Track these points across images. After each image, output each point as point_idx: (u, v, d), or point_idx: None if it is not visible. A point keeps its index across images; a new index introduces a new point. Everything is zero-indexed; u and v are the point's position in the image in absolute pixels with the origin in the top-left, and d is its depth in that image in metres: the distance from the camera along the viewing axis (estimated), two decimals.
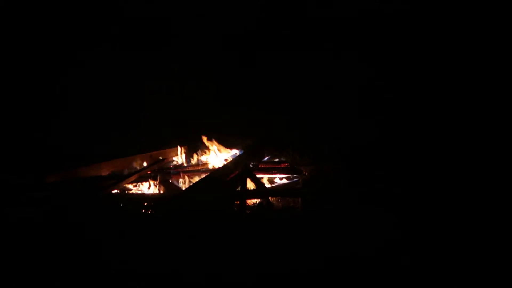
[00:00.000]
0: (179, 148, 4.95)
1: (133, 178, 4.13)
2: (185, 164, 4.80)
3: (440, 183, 3.61)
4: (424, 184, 3.62)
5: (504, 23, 5.11)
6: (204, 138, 4.70)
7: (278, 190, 4.01)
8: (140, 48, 6.06)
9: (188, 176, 4.41)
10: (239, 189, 3.72)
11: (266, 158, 4.66)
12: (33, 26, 5.76)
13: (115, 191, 4.01)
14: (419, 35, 5.56)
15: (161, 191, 4.06)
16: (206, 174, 4.24)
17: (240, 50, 6.04)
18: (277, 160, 4.64)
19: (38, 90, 5.81)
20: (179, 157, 4.95)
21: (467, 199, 3.26)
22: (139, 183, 4.23)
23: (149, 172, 4.28)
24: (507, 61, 5.06)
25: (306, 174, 4.15)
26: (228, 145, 4.82)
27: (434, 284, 2.30)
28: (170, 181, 4.22)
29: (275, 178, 4.38)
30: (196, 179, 4.32)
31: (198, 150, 4.78)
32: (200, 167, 4.51)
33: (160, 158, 4.79)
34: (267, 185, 4.22)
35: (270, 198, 3.70)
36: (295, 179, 4.25)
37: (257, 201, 3.72)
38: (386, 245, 2.66)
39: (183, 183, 4.33)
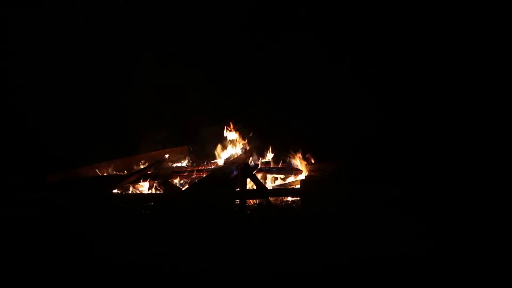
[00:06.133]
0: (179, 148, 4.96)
1: (133, 178, 4.13)
2: (185, 164, 4.81)
3: (445, 184, 3.61)
4: (429, 183, 3.61)
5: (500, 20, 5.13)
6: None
7: (278, 190, 4.01)
8: (138, 46, 6.07)
9: (188, 176, 4.41)
10: (239, 189, 3.72)
11: (265, 158, 4.67)
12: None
13: (115, 191, 4.02)
14: (420, 31, 5.57)
15: (161, 191, 4.06)
16: (206, 174, 4.25)
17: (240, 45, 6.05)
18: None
19: (37, 89, 5.80)
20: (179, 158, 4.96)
21: (471, 202, 3.26)
22: (139, 183, 4.23)
23: (149, 172, 4.28)
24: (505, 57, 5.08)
25: (307, 173, 4.15)
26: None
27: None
28: (170, 181, 4.22)
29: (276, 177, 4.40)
30: (196, 179, 4.33)
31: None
32: (200, 167, 4.52)
33: (160, 158, 4.80)
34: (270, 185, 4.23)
35: (270, 198, 3.70)
36: (295, 179, 4.27)
37: (257, 201, 3.72)
38: (387, 246, 2.66)
39: (183, 183, 4.34)
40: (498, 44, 5.08)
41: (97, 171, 4.43)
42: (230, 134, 4.87)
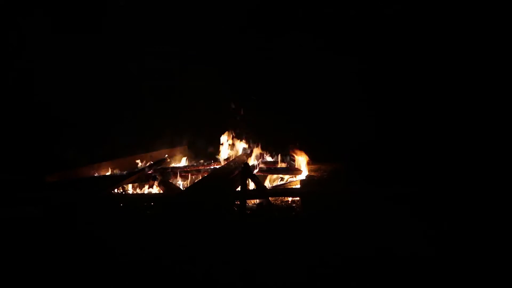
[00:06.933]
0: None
1: (133, 178, 4.13)
2: (185, 164, 4.81)
3: (445, 184, 3.62)
4: (429, 183, 3.61)
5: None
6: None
7: (278, 190, 4.01)
8: (138, 46, 6.07)
9: (188, 176, 4.42)
10: (239, 189, 3.72)
11: (266, 158, 4.67)
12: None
13: (115, 191, 4.02)
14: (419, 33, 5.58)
15: (161, 191, 4.06)
16: (206, 174, 4.25)
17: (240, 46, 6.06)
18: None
19: (37, 89, 5.81)
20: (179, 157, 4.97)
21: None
22: (139, 183, 4.24)
23: (149, 172, 4.28)
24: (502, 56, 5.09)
25: (307, 173, 4.15)
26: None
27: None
28: (170, 181, 4.23)
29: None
30: (196, 179, 4.33)
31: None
32: (200, 167, 4.52)
33: (160, 158, 4.80)
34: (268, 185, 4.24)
35: (270, 198, 3.70)
36: (295, 179, 4.26)
37: (257, 201, 3.72)
38: (388, 246, 2.66)
39: (183, 183, 4.34)
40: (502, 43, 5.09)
41: (97, 171, 4.43)
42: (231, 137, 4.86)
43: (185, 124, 5.44)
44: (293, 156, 4.48)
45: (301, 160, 4.34)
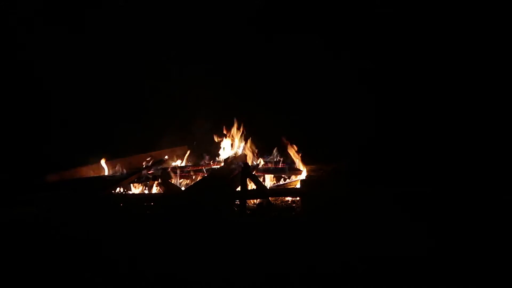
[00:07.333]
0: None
1: (133, 178, 4.13)
2: (185, 164, 4.81)
3: (445, 183, 3.62)
4: (429, 183, 3.60)
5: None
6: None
7: (278, 190, 4.01)
8: (138, 45, 6.07)
9: (188, 176, 4.41)
10: (239, 189, 3.72)
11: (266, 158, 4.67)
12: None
13: (115, 191, 4.01)
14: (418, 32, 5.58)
15: (161, 191, 4.06)
16: (206, 174, 4.25)
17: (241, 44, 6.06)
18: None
19: (36, 89, 5.81)
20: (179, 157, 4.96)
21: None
22: (139, 184, 4.23)
23: (149, 172, 4.28)
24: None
25: (307, 173, 4.15)
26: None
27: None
28: (170, 181, 4.22)
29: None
30: (196, 179, 4.33)
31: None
32: (200, 167, 4.51)
33: (160, 158, 4.80)
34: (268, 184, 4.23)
35: (270, 198, 3.69)
36: (295, 179, 4.26)
37: (257, 201, 3.72)
38: (388, 247, 2.66)
39: (183, 183, 4.33)
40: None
41: (97, 171, 4.43)
42: (228, 137, 4.86)
43: (186, 124, 5.43)
44: (294, 156, 4.48)
45: (301, 160, 4.33)
